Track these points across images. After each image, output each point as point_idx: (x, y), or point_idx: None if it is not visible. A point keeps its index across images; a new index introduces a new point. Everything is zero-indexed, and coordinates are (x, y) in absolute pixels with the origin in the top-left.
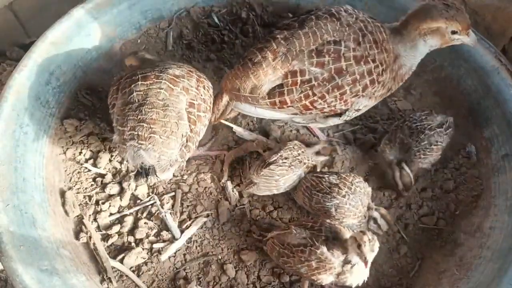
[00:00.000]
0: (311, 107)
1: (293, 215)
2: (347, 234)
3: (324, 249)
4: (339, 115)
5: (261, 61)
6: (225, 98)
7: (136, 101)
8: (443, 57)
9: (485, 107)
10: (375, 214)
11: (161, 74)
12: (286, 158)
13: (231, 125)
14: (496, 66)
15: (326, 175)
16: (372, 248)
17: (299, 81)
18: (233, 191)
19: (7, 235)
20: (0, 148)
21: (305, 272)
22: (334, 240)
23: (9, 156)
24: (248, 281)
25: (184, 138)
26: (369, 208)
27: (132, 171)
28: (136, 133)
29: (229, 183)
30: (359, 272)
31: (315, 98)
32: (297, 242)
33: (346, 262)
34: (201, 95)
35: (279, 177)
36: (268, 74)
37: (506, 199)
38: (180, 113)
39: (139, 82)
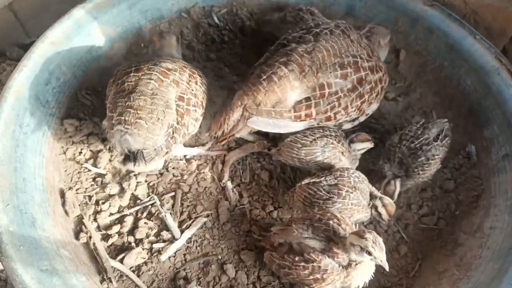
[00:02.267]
0: (333, 118)
1: (293, 215)
2: (348, 232)
3: (327, 260)
4: (352, 121)
5: (288, 75)
6: (237, 114)
7: (127, 89)
8: (443, 57)
9: (485, 107)
10: (377, 202)
11: (153, 67)
12: (314, 133)
13: None
14: (496, 66)
15: (322, 178)
16: (380, 247)
17: (326, 94)
18: (233, 191)
19: (7, 235)
20: (0, 148)
21: (310, 284)
22: (337, 238)
23: (9, 156)
24: (248, 281)
25: (170, 128)
26: (372, 196)
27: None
28: (123, 118)
29: (229, 183)
30: (364, 271)
31: (340, 109)
32: (298, 258)
33: (349, 264)
34: (192, 90)
35: (301, 146)
36: (294, 87)
37: (506, 199)
38: (168, 102)
39: (132, 74)
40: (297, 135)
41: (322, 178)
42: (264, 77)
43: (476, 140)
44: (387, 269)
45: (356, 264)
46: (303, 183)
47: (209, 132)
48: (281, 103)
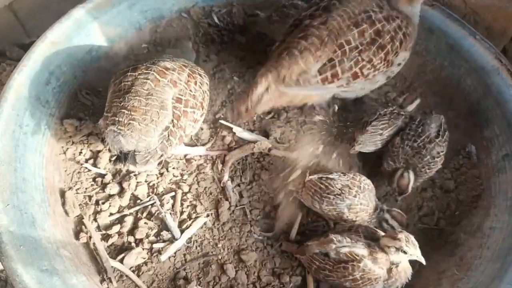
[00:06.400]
0: (359, 74)
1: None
2: (381, 234)
3: (368, 262)
4: (385, 73)
5: (309, 47)
6: (260, 89)
7: (123, 89)
8: (443, 57)
9: (485, 107)
10: (386, 216)
11: (151, 66)
12: (385, 114)
13: (231, 125)
14: (496, 66)
15: (335, 176)
16: (413, 244)
17: (347, 50)
18: (233, 191)
19: (7, 235)
20: (0, 148)
21: (349, 286)
22: (374, 241)
23: (9, 156)
24: (248, 281)
25: (166, 131)
26: (380, 210)
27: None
28: (117, 118)
29: (229, 183)
30: (404, 270)
31: (364, 63)
32: (339, 259)
33: (390, 268)
34: (191, 90)
35: (383, 131)
36: (317, 57)
37: (506, 199)
38: (164, 103)
39: (129, 73)
40: (373, 123)
41: (336, 176)
42: (286, 52)
43: (476, 140)
44: (424, 263)
45: (397, 266)
46: (313, 177)
47: (233, 110)
48: (305, 73)
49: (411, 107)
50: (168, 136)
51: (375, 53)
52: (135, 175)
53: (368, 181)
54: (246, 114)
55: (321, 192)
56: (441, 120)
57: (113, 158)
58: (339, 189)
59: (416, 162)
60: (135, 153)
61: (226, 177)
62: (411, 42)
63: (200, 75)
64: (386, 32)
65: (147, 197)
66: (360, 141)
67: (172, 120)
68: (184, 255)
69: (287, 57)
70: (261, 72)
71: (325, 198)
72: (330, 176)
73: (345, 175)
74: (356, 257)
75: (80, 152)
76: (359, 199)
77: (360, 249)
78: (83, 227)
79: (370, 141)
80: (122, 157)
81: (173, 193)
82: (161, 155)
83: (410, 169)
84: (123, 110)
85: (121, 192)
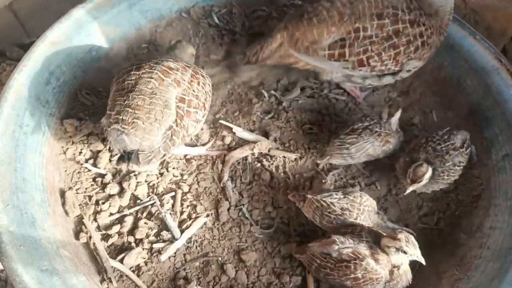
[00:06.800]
0: (365, 62)
1: (292, 215)
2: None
3: (371, 261)
4: (393, 74)
5: (327, 20)
6: (275, 44)
7: (126, 88)
8: (443, 57)
9: (485, 107)
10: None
11: (155, 65)
12: (356, 129)
13: (231, 125)
14: (496, 66)
15: (335, 199)
16: (413, 244)
17: (361, 36)
18: (233, 191)
19: (7, 235)
20: (0, 148)
21: (350, 285)
22: (376, 244)
23: (9, 156)
24: (248, 281)
25: (169, 131)
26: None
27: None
28: (120, 117)
29: (229, 183)
30: (406, 271)
31: (372, 54)
32: (341, 258)
33: (392, 270)
34: (193, 91)
35: (350, 145)
36: (331, 32)
37: (506, 199)
38: (168, 102)
39: (132, 72)
40: (341, 136)
41: (335, 200)
42: (306, 17)
43: (476, 140)
44: (424, 263)
45: (398, 269)
46: (314, 197)
47: (243, 56)
48: (315, 44)
49: (394, 119)
50: (172, 135)
51: (385, 49)
52: (135, 175)
53: (369, 202)
54: (255, 63)
55: (322, 209)
56: (467, 136)
57: (116, 158)
58: (340, 209)
59: (438, 164)
60: (139, 152)
61: (226, 177)
62: (429, 52)
63: (202, 76)
64: (404, 34)
65: (147, 197)
66: (328, 152)
67: (176, 120)
68: (184, 255)
69: (305, 22)
70: (279, 27)
71: (325, 216)
72: (329, 200)
73: (345, 198)
74: (359, 255)
75: (80, 152)
76: (360, 221)
77: (363, 249)
78: (83, 227)
79: (336, 153)
80: (126, 156)
81: (173, 193)
82: (164, 155)
83: (431, 166)
84: (127, 109)
85: (121, 192)
